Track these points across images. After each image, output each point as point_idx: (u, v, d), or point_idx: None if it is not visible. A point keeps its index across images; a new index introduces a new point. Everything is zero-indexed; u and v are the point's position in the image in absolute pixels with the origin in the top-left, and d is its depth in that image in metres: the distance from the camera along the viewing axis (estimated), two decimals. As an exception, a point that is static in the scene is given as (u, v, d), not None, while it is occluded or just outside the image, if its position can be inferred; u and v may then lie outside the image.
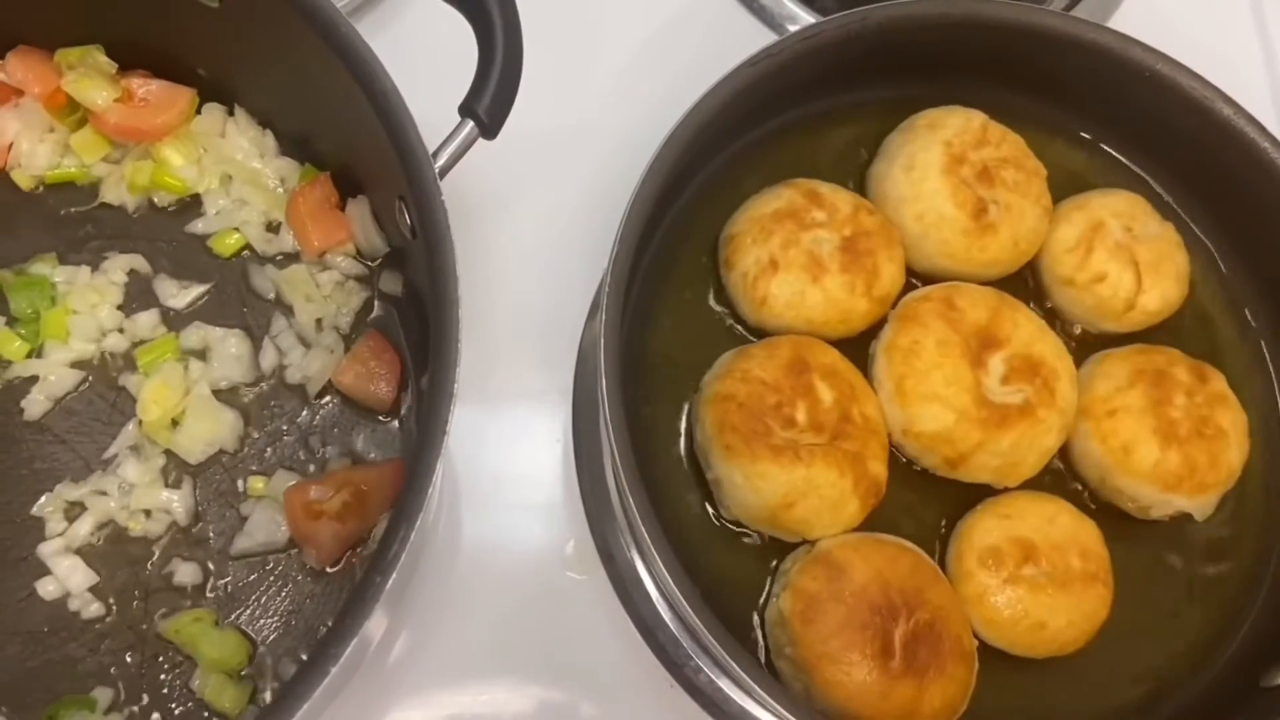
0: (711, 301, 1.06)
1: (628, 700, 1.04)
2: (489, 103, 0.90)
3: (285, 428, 1.04)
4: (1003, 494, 1.01)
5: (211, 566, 0.99)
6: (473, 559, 1.07)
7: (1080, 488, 1.04)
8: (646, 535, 0.86)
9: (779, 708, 0.84)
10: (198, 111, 1.11)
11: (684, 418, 1.02)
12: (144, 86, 1.09)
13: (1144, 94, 1.07)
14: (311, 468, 1.03)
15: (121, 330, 1.05)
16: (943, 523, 1.02)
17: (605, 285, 0.92)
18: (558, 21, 1.21)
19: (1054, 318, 1.09)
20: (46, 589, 0.97)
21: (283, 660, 0.97)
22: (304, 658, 0.97)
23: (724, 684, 1.00)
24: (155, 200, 1.10)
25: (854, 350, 1.02)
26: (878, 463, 0.97)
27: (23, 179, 1.09)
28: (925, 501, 1.02)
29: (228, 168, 1.10)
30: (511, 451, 1.11)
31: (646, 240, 1.03)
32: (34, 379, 1.03)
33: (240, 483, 1.02)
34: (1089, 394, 1.02)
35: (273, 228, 1.10)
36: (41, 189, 1.10)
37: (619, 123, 1.19)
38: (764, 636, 0.96)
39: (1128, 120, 1.12)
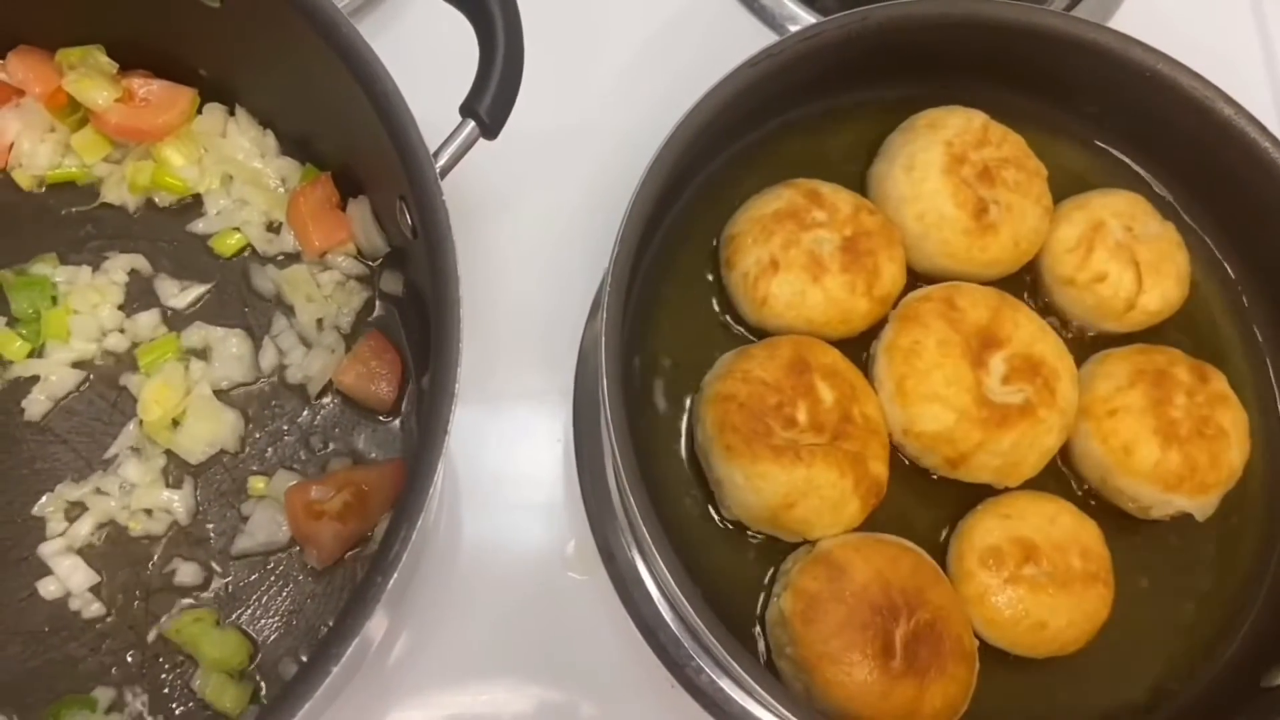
0: (712, 301, 1.07)
1: (628, 700, 1.04)
2: (490, 103, 0.90)
3: (286, 428, 1.04)
4: (1003, 494, 1.01)
5: (213, 566, 0.99)
6: (473, 559, 1.07)
7: (1081, 488, 1.04)
8: (647, 535, 0.86)
9: (780, 708, 0.84)
10: (199, 111, 1.11)
11: (685, 418, 1.02)
12: (145, 86, 1.09)
13: (1145, 94, 1.07)
14: (312, 468, 1.03)
15: (122, 330, 1.06)
16: (944, 523, 1.02)
17: (606, 285, 0.92)
18: (559, 22, 1.21)
19: (1055, 318, 1.09)
20: (47, 589, 0.97)
21: (284, 660, 0.97)
22: (305, 658, 0.97)
23: (725, 684, 1.00)
24: (156, 200, 1.10)
25: (855, 350, 1.02)
26: (878, 463, 0.97)
27: (24, 179, 1.09)
28: (926, 501, 1.02)
29: (229, 168, 1.10)
30: (512, 451, 1.11)
31: (647, 240, 1.03)
32: (35, 379, 1.03)
33: (241, 483, 1.02)
34: (1090, 394, 1.02)
35: (274, 228, 1.10)
36: (42, 189, 1.10)
37: (620, 123, 1.19)
38: (765, 636, 0.96)
39: (1128, 120, 1.12)
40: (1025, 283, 1.10)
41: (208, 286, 1.08)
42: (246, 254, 1.09)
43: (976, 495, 1.01)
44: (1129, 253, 1.05)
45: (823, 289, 1.01)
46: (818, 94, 1.11)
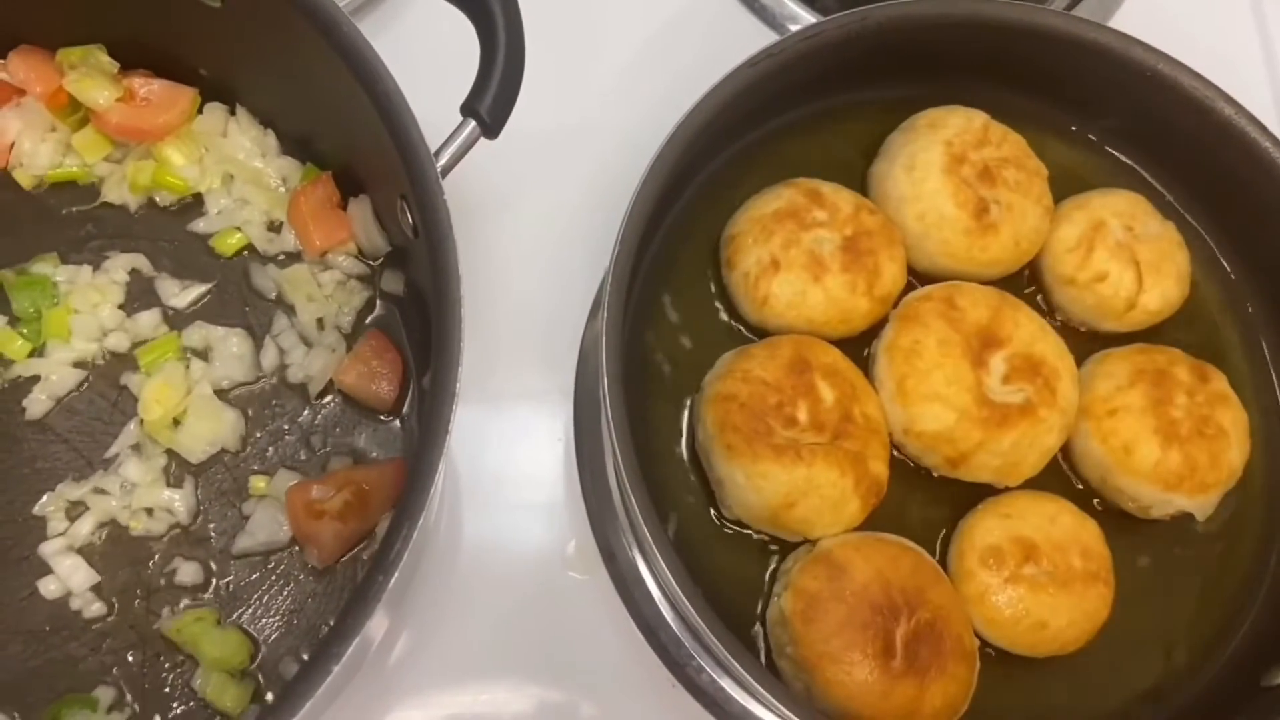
0: (712, 301, 1.07)
1: (629, 700, 1.04)
2: (491, 102, 0.90)
3: (287, 427, 1.04)
4: (1004, 493, 1.01)
5: (213, 566, 0.99)
6: (474, 559, 1.07)
7: (1081, 487, 1.04)
8: (648, 534, 0.86)
9: (780, 707, 0.84)
10: (199, 111, 1.11)
11: (685, 417, 1.02)
12: (146, 86, 1.09)
13: (1145, 93, 1.07)
14: (313, 467, 1.03)
15: (123, 329, 1.05)
16: (944, 522, 1.02)
17: (606, 285, 0.92)
18: (559, 21, 1.21)
19: (1055, 317, 1.09)
20: (48, 588, 0.97)
21: (284, 659, 0.97)
22: (306, 657, 0.97)
23: (725, 683, 1.00)
24: (157, 200, 1.10)
25: (855, 350, 1.03)
26: (879, 462, 0.97)
27: (24, 178, 1.09)
28: (926, 501, 1.02)
29: (229, 167, 1.10)
30: (513, 451, 1.11)
31: (648, 240, 1.03)
32: (36, 378, 1.03)
33: (242, 482, 1.02)
34: (1090, 393, 1.02)
35: (274, 227, 1.10)
36: (43, 188, 1.10)
37: (620, 122, 1.19)
38: (765, 636, 0.96)
39: (1129, 120, 1.12)
40: (1025, 282, 1.10)
41: (208, 286, 1.08)
42: (247, 253, 1.09)
43: (977, 495, 1.01)
44: (1129, 252, 1.05)
45: (823, 288, 1.01)
46: (818, 94, 1.11)
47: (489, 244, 1.17)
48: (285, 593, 0.99)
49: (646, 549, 0.93)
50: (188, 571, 0.98)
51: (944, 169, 1.04)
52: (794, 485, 0.93)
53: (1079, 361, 1.04)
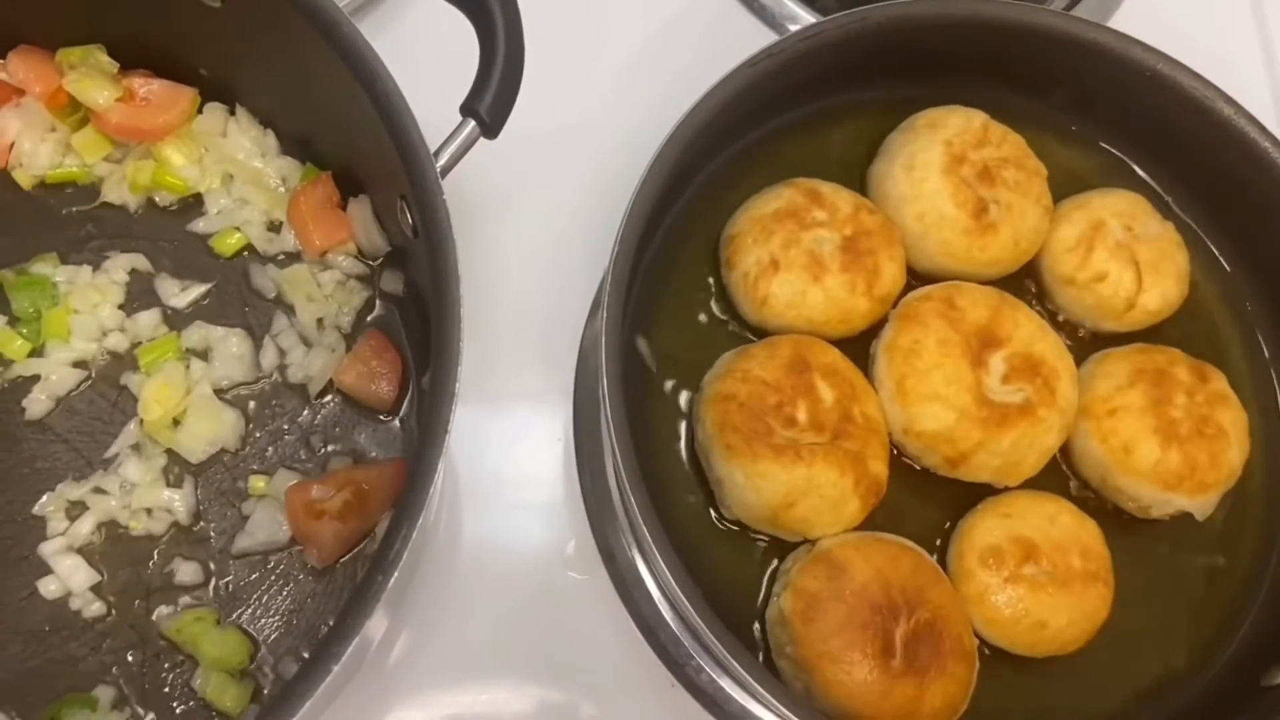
0: (712, 301, 1.07)
1: (629, 700, 1.04)
2: (490, 102, 0.90)
3: (286, 427, 1.04)
4: (1003, 493, 1.01)
5: (213, 566, 0.99)
6: (474, 558, 1.07)
7: (1081, 487, 1.04)
8: (648, 535, 0.86)
9: (780, 707, 0.84)
10: (199, 111, 1.11)
11: (685, 417, 1.02)
12: (145, 86, 1.09)
13: (1144, 94, 1.07)
14: (313, 467, 1.03)
15: (123, 329, 1.06)
16: (944, 522, 1.02)
17: (606, 285, 0.92)
18: (559, 21, 1.21)
19: (1054, 317, 1.09)
20: (48, 588, 0.97)
21: (284, 659, 0.97)
22: (305, 657, 0.97)
23: (725, 683, 1.00)
24: (156, 200, 1.10)
25: (855, 350, 1.03)
26: (878, 462, 0.97)
27: (24, 178, 1.09)
28: (926, 501, 1.02)
29: (229, 167, 1.10)
30: (512, 451, 1.11)
31: (647, 240, 1.03)
32: (35, 378, 1.03)
33: (241, 482, 1.02)
34: (1089, 393, 1.02)
35: (274, 227, 1.10)
36: (43, 188, 1.10)
37: (620, 122, 1.19)
38: (765, 636, 0.96)
39: (1128, 120, 1.12)
40: (1025, 282, 1.10)
41: (208, 286, 1.08)
42: (247, 253, 1.09)
43: (976, 494, 1.01)
44: (1129, 252, 1.05)
45: (823, 288, 1.01)
46: (817, 94, 1.11)
47: (489, 244, 1.17)
48: (285, 592, 0.99)
49: (646, 549, 0.93)
50: (187, 571, 0.98)
51: (943, 169, 1.04)
52: (793, 485, 0.93)
53: (1078, 361, 1.04)
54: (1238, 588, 1.04)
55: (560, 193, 1.19)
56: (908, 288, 1.06)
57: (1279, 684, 0.97)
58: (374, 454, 1.04)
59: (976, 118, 1.08)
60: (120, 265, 1.07)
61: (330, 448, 1.03)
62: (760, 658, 0.96)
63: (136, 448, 1.02)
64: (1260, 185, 1.06)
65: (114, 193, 1.09)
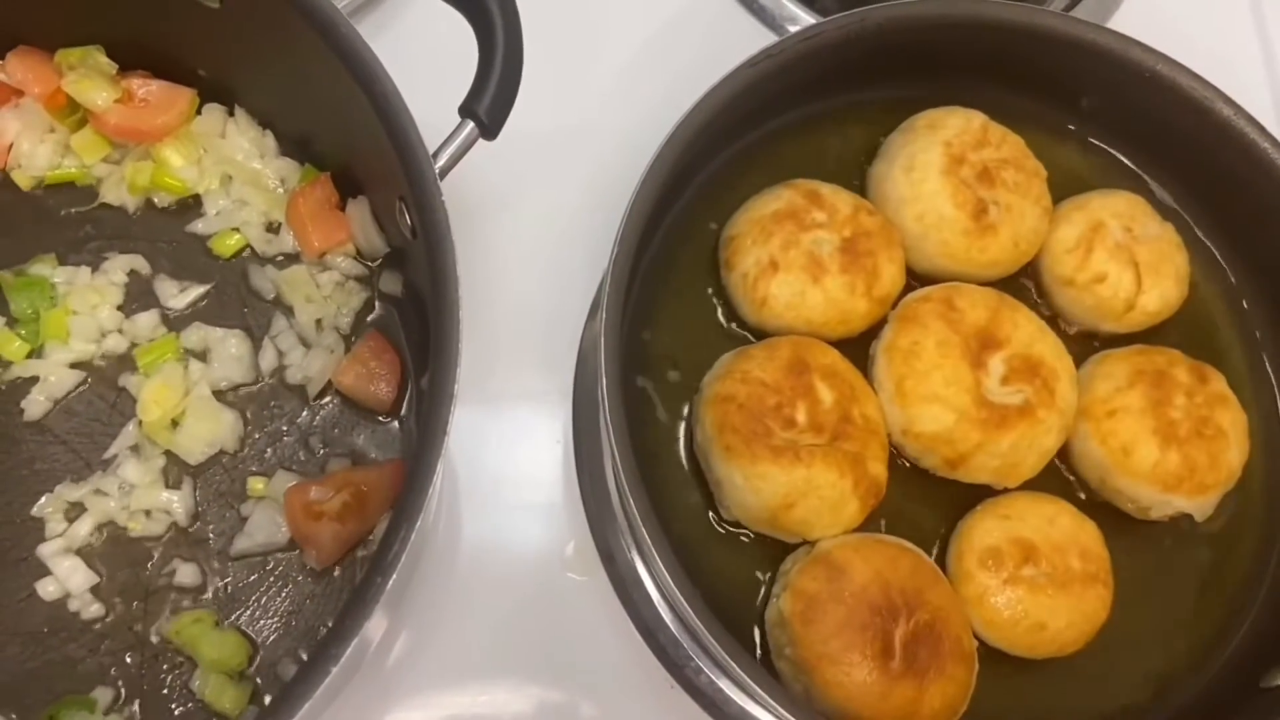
0: (711, 302, 1.07)
1: (628, 701, 1.04)
2: (489, 103, 0.90)
3: (285, 428, 1.04)
4: (1003, 494, 1.01)
5: (212, 567, 0.99)
6: (473, 560, 1.07)
7: (1080, 488, 1.04)
8: (647, 536, 0.86)
9: (779, 708, 0.84)
10: (198, 112, 1.11)
11: (684, 418, 1.02)
12: (144, 87, 1.09)
13: (1144, 94, 1.07)
14: (312, 468, 1.03)
15: (121, 331, 1.05)
16: (943, 523, 1.02)
17: (605, 286, 0.92)
18: (558, 22, 1.21)
19: (1054, 318, 1.09)
20: (46, 589, 0.97)
21: (283, 661, 0.97)
22: (304, 658, 0.97)
23: (724, 685, 1.00)
24: (155, 201, 1.10)
25: (854, 351, 1.02)
26: (878, 463, 0.97)
27: (23, 179, 1.09)
28: (925, 502, 1.02)
29: (228, 168, 1.10)
30: (512, 452, 1.11)
31: (646, 241, 1.03)
32: (34, 379, 1.03)
33: (240, 483, 1.02)
34: (1089, 394, 1.02)
35: (273, 228, 1.10)
36: (41, 189, 1.10)
37: (619, 123, 1.19)
38: (764, 637, 0.96)
39: (1128, 120, 1.12)
40: (1024, 284, 1.10)
41: (207, 287, 1.08)
42: (246, 254, 1.09)
43: (976, 496, 1.01)
44: (1128, 253, 1.05)
45: (822, 290, 1.01)
46: (817, 94, 1.11)
47: (488, 245, 1.17)
48: (284, 594, 0.99)
49: (645, 550, 0.93)
50: (186, 573, 0.98)
51: (943, 170, 1.04)
52: (793, 486, 0.93)
53: (1078, 363, 1.04)
54: (1237, 589, 1.04)
55: (559, 193, 1.19)
56: (907, 289, 1.06)
57: (1278, 685, 0.97)
58: (373, 455, 1.03)
59: (976, 119, 1.07)
60: (119, 266, 1.07)
61: (329, 449, 1.03)
62: (759, 659, 0.96)
63: (135, 449, 1.02)
64: (1260, 186, 1.05)
65: (113, 194, 1.09)
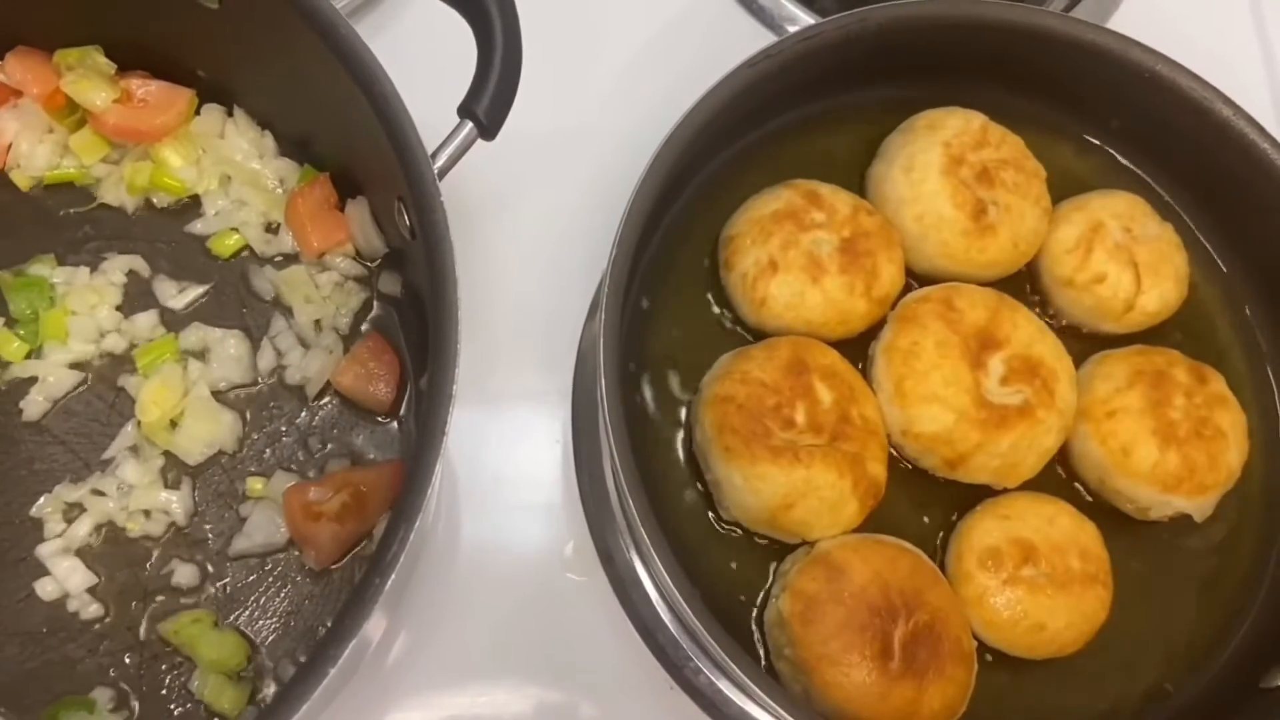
0: (711, 302, 1.06)
1: (627, 701, 1.04)
2: (488, 104, 0.90)
3: (284, 429, 1.04)
4: (1002, 495, 1.01)
5: (210, 567, 0.99)
6: (472, 560, 1.07)
7: (1080, 489, 1.04)
8: (646, 536, 0.86)
9: (778, 709, 0.83)
10: (197, 112, 1.11)
11: (683, 419, 1.02)
12: (143, 87, 1.09)
13: (1143, 95, 1.07)
14: (311, 469, 1.03)
15: (120, 331, 1.05)
16: (942, 524, 1.02)
17: (604, 286, 0.92)
18: (557, 22, 1.21)
19: (1053, 319, 1.09)
20: (45, 590, 0.97)
21: (282, 661, 0.97)
22: (303, 659, 0.97)
23: (723, 685, 1.00)
24: (154, 201, 1.10)
25: (853, 351, 1.02)
26: (877, 464, 0.97)
27: (22, 180, 1.09)
28: (924, 502, 1.02)
29: (227, 168, 1.10)
30: (511, 452, 1.11)
31: (646, 241, 1.03)
32: (33, 380, 1.03)
33: (239, 484, 1.02)
34: (1088, 395, 1.02)
35: (272, 228, 1.10)
36: (40, 190, 1.10)
37: (618, 123, 1.19)
38: (763, 638, 0.96)
39: (1127, 121, 1.12)
40: (1023, 284, 1.10)
41: (206, 287, 1.08)
42: (245, 255, 1.09)
43: (975, 496, 1.01)
44: (1128, 254, 1.05)
45: (821, 290, 1.01)
46: (816, 95, 1.11)
47: (487, 245, 1.17)
48: (282, 594, 0.99)
49: (644, 550, 0.93)
50: (185, 573, 0.98)
51: (942, 170, 1.04)
52: (792, 487, 0.93)
53: (1077, 363, 1.04)
54: (1236, 589, 1.04)
55: (559, 194, 1.19)
56: (906, 289, 1.06)
57: (1278, 686, 0.97)
58: (372, 455, 1.03)
59: (975, 119, 1.07)
60: (118, 267, 1.07)
61: (328, 449, 1.03)
62: (759, 660, 0.96)
63: (134, 449, 1.02)
64: (1259, 186, 1.05)
65: (111, 194, 1.09)
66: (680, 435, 1.02)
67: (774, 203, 1.04)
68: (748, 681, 0.83)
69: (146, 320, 1.06)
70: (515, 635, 1.04)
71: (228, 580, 0.99)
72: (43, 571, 0.98)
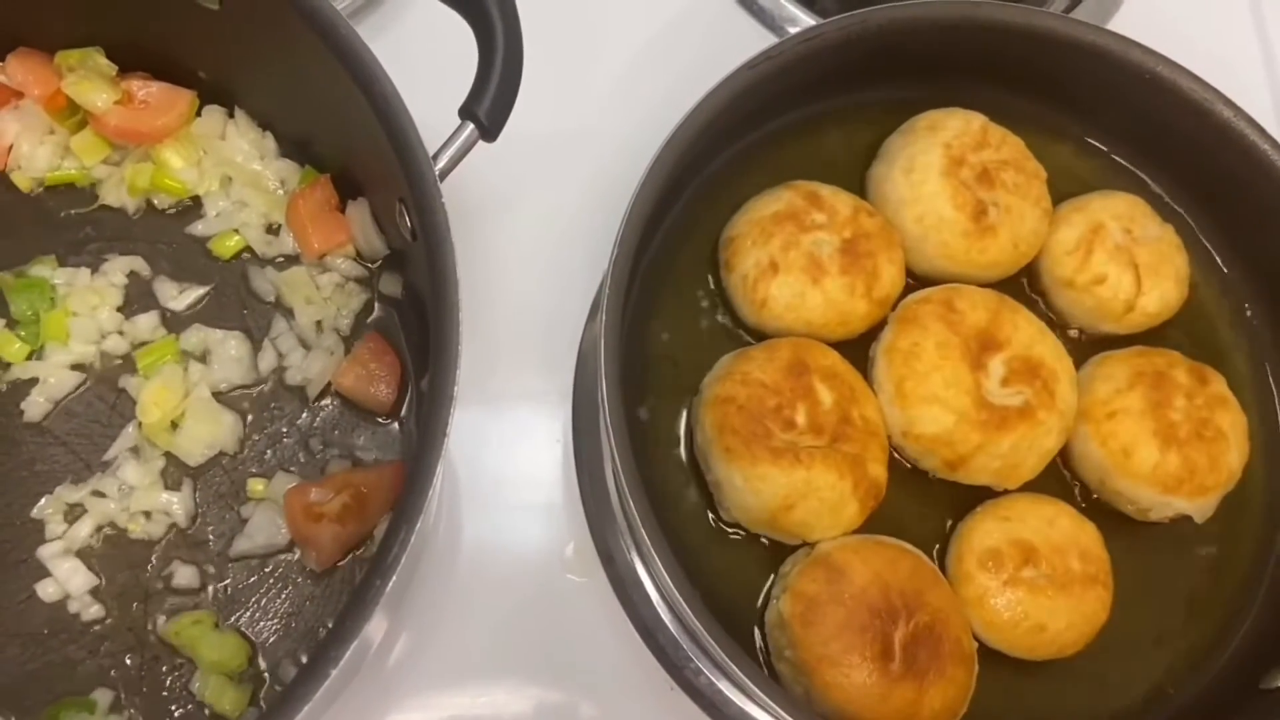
0: (711, 303, 1.07)
1: (628, 702, 1.04)
2: (489, 105, 0.90)
3: (285, 430, 1.04)
4: (1003, 496, 1.01)
5: (211, 569, 0.99)
6: (473, 561, 1.07)
7: (1080, 490, 1.04)
8: (646, 537, 0.86)
9: (779, 710, 0.84)
10: (198, 114, 1.11)
11: (684, 420, 1.02)
12: (144, 89, 1.09)
13: (1144, 96, 1.07)
14: (311, 470, 1.03)
15: (121, 332, 1.05)
16: (943, 525, 1.02)
17: (605, 287, 0.92)
18: (558, 24, 1.21)
19: (1053, 320, 1.09)
20: (46, 591, 0.97)
21: (283, 662, 0.97)
22: (304, 660, 0.97)
23: (724, 686, 1.00)
24: (155, 202, 1.10)
25: (854, 352, 1.02)
26: (877, 465, 0.97)
27: (23, 181, 1.09)
28: (925, 504, 1.02)
29: (228, 170, 1.10)
30: (512, 453, 1.11)
31: (646, 242, 1.03)
32: (34, 381, 1.03)
33: (240, 485, 1.02)
34: (1089, 396, 1.02)
35: (273, 230, 1.10)
36: (41, 191, 1.10)
37: (619, 125, 1.19)
38: (764, 639, 0.96)
39: (1128, 122, 1.12)
40: (1024, 285, 1.10)
41: (207, 289, 1.08)
42: (245, 256, 1.09)
43: (975, 497, 1.01)
44: (1128, 255, 1.05)
45: (822, 291, 1.01)
46: (817, 96, 1.11)
47: (488, 246, 1.17)
48: (283, 595, 0.99)
49: (645, 551, 0.93)
50: (186, 574, 0.98)
51: (943, 171, 1.04)
52: (792, 488, 0.93)
53: (1078, 364, 1.04)
54: (1236, 590, 1.04)
55: (559, 195, 1.19)
56: (907, 290, 1.06)
57: (1278, 687, 0.97)
58: (373, 456, 1.03)
59: (976, 120, 1.07)
60: (119, 268, 1.07)
61: (329, 450, 1.03)
62: (759, 661, 0.96)
63: (135, 450, 1.02)
64: (1259, 187, 1.05)
65: (112, 195, 1.09)
66: (680, 436, 1.02)
67: (774, 204, 1.04)
68: (748, 682, 0.83)
69: (147, 321, 1.06)
70: (516, 636, 1.04)
71: (229, 581, 0.99)
72: (44, 573, 0.98)
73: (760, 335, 1.04)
